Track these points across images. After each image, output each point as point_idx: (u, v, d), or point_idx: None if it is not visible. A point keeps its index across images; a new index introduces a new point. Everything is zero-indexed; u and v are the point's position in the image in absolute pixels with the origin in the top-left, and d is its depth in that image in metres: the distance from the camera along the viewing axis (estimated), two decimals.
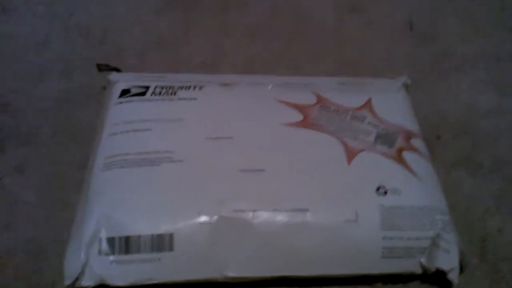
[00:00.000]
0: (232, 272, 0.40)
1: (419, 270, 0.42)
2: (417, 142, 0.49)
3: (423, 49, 0.67)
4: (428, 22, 0.71)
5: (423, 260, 0.41)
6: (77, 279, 0.38)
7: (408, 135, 0.49)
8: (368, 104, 0.51)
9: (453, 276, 0.41)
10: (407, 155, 0.47)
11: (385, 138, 0.48)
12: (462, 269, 0.42)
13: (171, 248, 0.39)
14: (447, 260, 0.41)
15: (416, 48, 0.67)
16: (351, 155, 0.45)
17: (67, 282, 0.38)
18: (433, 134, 0.55)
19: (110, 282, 0.39)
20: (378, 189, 0.43)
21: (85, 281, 0.38)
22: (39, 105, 0.56)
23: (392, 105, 0.52)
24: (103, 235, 0.39)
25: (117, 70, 0.55)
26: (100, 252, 0.39)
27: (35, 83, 0.58)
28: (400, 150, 0.47)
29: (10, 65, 0.61)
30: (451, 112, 0.59)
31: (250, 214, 0.41)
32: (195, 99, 0.49)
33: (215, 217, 0.40)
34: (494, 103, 0.60)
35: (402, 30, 0.70)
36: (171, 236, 0.39)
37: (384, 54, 0.66)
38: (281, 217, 0.41)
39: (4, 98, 0.56)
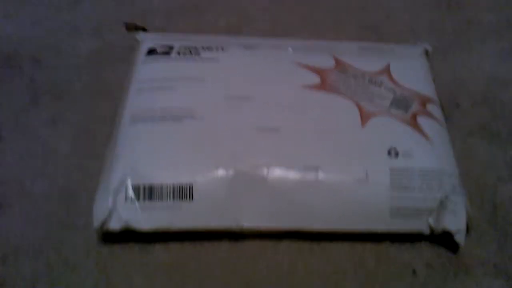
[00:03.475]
0: (247, 223, 0.43)
1: (427, 231, 0.44)
2: (433, 108, 0.50)
3: (448, 17, 0.67)
4: None
5: (431, 220, 0.43)
6: (104, 222, 0.42)
7: (424, 101, 0.50)
8: (386, 69, 0.52)
9: (460, 238, 0.43)
10: (422, 120, 0.48)
11: (401, 102, 0.49)
12: (468, 231, 0.44)
13: (190, 198, 0.42)
14: (454, 222, 0.43)
15: (441, 16, 0.67)
16: (365, 118, 0.47)
17: (96, 224, 0.42)
18: (452, 102, 0.56)
19: (135, 226, 0.42)
20: (390, 151, 0.45)
21: (112, 224, 0.42)
22: (71, 61, 0.58)
23: (411, 71, 0.53)
24: (129, 182, 0.42)
25: (144, 29, 0.57)
26: (126, 198, 0.42)
27: (67, 41, 0.61)
28: (414, 115, 0.48)
29: (44, 24, 0.63)
30: (472, 81, 0.59)
31: (265, 170, 0.43)
32: (217, 59, 0.51)
33: (232, 171, 0.43)
34: None
35: None
36: (190, 186, 0.42)
37: (408, 21, 0.66)
38: (294, 174, 0.43)
39: (37, 54, 0.59)
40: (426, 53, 0.56)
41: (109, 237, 0.44)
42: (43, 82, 0.56)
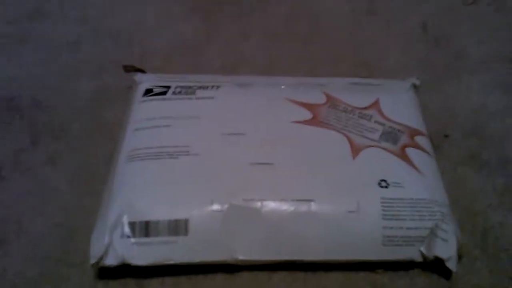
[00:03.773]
0: (242, 256, 0.43)
1: (419, 258, 0.44)
2: (421, 140, 0.51)
3: (437, 51, 0.69)
4: (443, 24, 0.73)
5: (422, 248, 0.44)
6: (101, 258, 0.42)
7: (413, 133, 0.51)
8: (376, 104, 0.54)
9: (451, 265, 0.44)
10: (411, 152, 0.49)
11: (390, 135, 0.50)
12: (460, 258, 0.44)
13: (186, 233, 0.43)
14: (445, 249, 0.44)
15: (430, 50, 0.69)
16: (356, 150, 0.48)
17: (92, 261, 0.42)
18: (441, 133, 0.57)
19: (131, 261, 0.43)
20: (380, 182, 0.46)
21: (108, 260, 0.43)
22: (71, 102, 0.60)
23: (399, 105, 0.55)
24: (125, 219, 0.43)
25: (142, 71, 0.59)
26: (122, 235, 0.43)
27: (67, 82, 0.63)
28: (403, 147, 0.49)
29: (45, 65, 0.65)
30: (461, 112, 0.60)
31: (259, 203, 0.44)
32: (212, 98, 0.53)
33: (226, 205, 0.44)
34: (504, 104, 0.62)
35: (417, 32, 0.72)
36: (186, 221, 0.43)
37: (399, 56, 0.69)
38: (287, 207, 0.44)
39: (38, 95, 0.61)
40: (415, 87, 0.58)
41: (105, 273, 0.44)
42: (43, 123, 0.58)
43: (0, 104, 0.60)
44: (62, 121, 0.58)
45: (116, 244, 0.43)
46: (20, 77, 0.64)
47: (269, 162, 0.47)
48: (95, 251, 0.43)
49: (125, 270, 0.44)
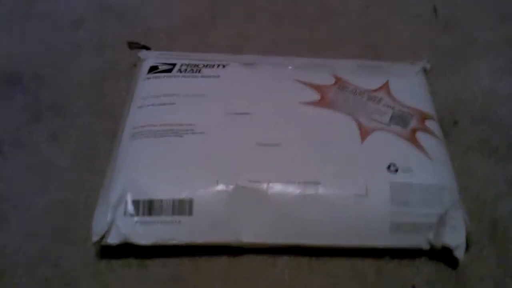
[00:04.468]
0: (246, 238, 0.43)
1: (426, 246, 0.44)
2: (432, 124, 0.50)
3: (446, 35, 0.68)
4: (453, 9, 0.71)
5: (430, 236, 0.43)
6: (103, 236, 0.42)
7: (423, 117, 0.50)
8: (385, 86, 0.53)
9: (459, 253, 0.43)
10: (421, 136, 0.48)
11: (400, 118, 0.49)
12: (468, 246, 0.43)
13: (190, 213, 0.42)
14: (454, 237, 0.43)
15: (439, 35, 0.68)
16: (365, 133, 0.47)
17: (95, 238, 0.42)
18: (451, 119, 0.56)
19: (134, 240, 0.42)
20: (389, 166, 0.45)
21: (111, 239, 0.42)
22: (74, 79, 0.59)
23: (409, 88, 0.53)
24: (129, 197, 0.43)
25: (146, 48, 0.58)
26: (125, 213, 0.42)
27: (70, 59, 0.62)
28: (413, 131, 0.48)
29: (47, 42, 0.64)
30: (471, 98, 0.59)
31: (265, 185, 0.43)
32: (218, 76, 0.52)
33: (232, 186, 0.43)
34: None
35: (426, 17, 0.71)
36: (190, 201, 0.42)
37: (408, 40, 0.67)
38: (294, 189, 0.43)
39: (41, 71, 0.60)
40: (424, 70, 0.57)
41: (107, 252, 0.43)
42: (46, 99, 0.57)
43: (2, 80, 0.59)
44: (65, 97, 0.57)
45: (119, 222, 0.42)
46: (22, 53, 0.62)
47: (275, 143, 0.46)
48: (98, 228, 0.42)
49: (127, 250, 0.43)
